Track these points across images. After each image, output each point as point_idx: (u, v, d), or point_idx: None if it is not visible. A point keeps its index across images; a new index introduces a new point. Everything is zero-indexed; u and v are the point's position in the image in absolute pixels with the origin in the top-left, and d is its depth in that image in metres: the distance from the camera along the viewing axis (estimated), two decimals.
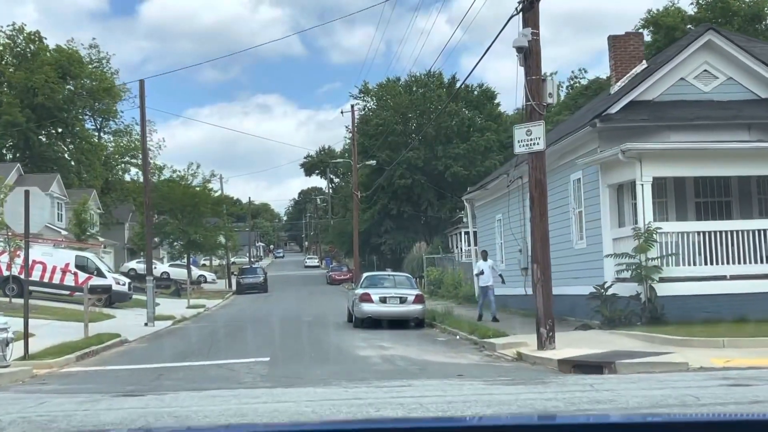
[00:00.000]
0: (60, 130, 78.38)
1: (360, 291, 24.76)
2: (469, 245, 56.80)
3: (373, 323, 23.92)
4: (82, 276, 37.13)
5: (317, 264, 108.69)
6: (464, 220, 68.14)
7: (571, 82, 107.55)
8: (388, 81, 77.69)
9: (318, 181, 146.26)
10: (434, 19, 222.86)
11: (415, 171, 71.35)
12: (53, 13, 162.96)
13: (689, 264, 18.38)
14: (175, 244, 64.17)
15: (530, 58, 15.23)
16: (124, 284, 37.98)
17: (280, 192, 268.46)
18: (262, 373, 13.62)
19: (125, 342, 22.07)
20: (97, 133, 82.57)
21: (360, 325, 24.27)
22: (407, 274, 29.19)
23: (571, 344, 15.57)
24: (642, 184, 18.13)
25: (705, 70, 20.52)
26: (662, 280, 17.81)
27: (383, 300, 23.94)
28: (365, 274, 27.58)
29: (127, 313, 34.37)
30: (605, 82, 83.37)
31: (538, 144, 14.99)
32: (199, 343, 20.84)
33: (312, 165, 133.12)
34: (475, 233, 34.45)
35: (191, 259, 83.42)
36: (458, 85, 71.87)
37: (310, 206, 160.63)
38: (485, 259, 25.20)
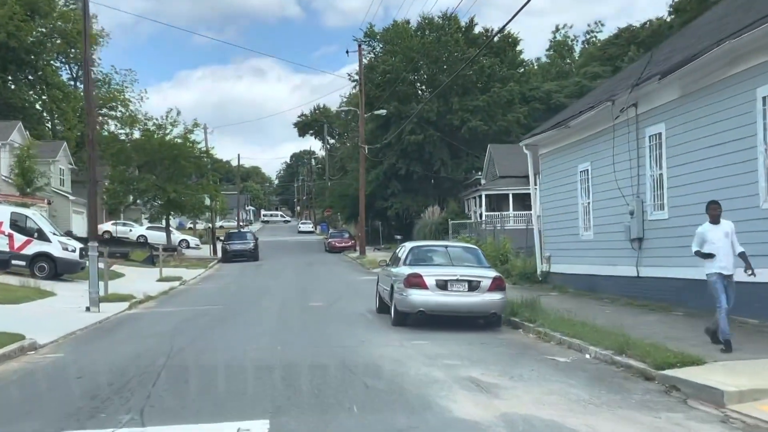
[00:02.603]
0: (30, 76, 70.75)
1: (405, 270, 15.79)
2: (503, 210, 48.21)
3: (421, 319, 15.53)
4: (19, 239, 28.78)
5: (312, 229, 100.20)
6: (482, 181, 59.37)
7: (588, 36, 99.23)
8: (396, 24, 68.18)
9: (312, 143, 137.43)
10: None
11: (426, 126, 62.09)
12: None
13: None
14: (153, 203, 55.29)
15: None
16: (73, 250, 29.48)
17: (273, 155, 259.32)
18: None
19: (32, 348, 13.62)
20: (72, 83, 74.51)
21: (402, 323, 15.77)
22: (471, 245, 19.60)
23: None
24: None
25: None
26: None
27: (443, 285, 15.13)
28: (408, 245, 17.78)
29: (72, 289, 26.01)
30: (638, 30, 74.72)
31: None
32: (148, 355, 12.33)
33: (306, 124, 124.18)
34: (536, 192, 25.84)
35: (177, 221, 74.70)
36: (502, 26, 62.67)
37: (303, 169, 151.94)
38: (715, 222, 11.48)
